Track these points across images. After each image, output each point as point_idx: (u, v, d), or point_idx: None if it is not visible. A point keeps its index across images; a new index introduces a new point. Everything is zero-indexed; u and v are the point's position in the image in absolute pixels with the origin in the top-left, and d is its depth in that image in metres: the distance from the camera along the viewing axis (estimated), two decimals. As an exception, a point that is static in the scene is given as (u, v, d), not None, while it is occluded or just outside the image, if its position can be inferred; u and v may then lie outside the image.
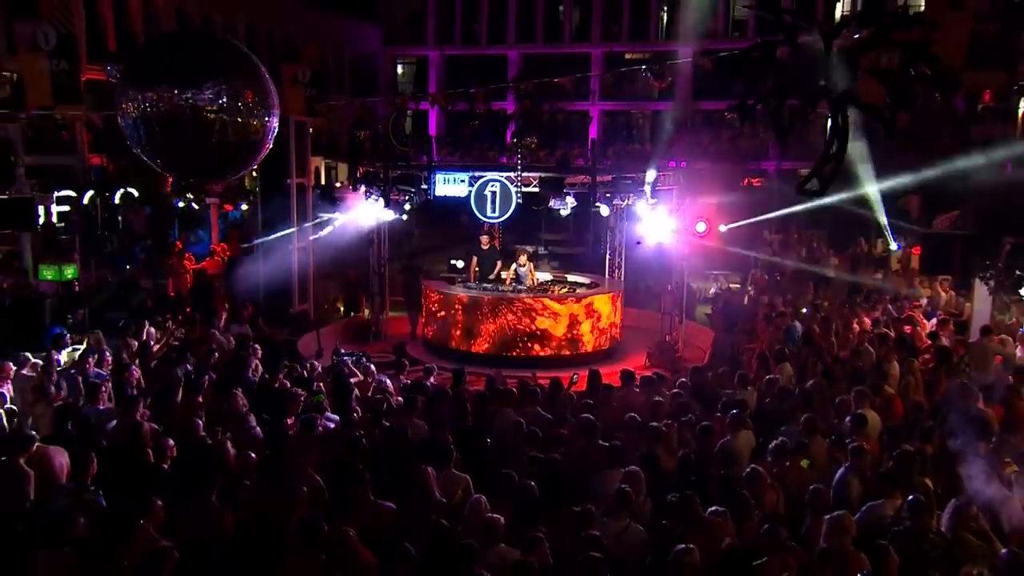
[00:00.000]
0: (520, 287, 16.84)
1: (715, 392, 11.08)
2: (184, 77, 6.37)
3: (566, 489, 7.86)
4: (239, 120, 6.62)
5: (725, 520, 7.00)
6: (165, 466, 8.14)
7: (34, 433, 8.66)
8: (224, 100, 6.41)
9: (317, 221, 18.09)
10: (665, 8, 43.21)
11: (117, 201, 23.52)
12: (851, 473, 8.19)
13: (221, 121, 6.51)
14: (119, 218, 23.37)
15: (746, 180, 35.25)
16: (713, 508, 7.12)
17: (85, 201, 22.50)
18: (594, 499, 7.54)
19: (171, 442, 8.32)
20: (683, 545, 6.24)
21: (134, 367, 11.63)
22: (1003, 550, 6.52)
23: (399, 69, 47.97)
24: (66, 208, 22.57)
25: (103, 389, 10.22)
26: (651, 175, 15.43)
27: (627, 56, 44.04)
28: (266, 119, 7.10)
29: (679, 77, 42.98)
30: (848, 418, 9.57)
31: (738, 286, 22.20)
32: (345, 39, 43.84)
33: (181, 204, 24.12)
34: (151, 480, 7.94)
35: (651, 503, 7.61)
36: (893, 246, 19.95)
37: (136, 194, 23.81)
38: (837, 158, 7.88)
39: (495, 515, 6.69)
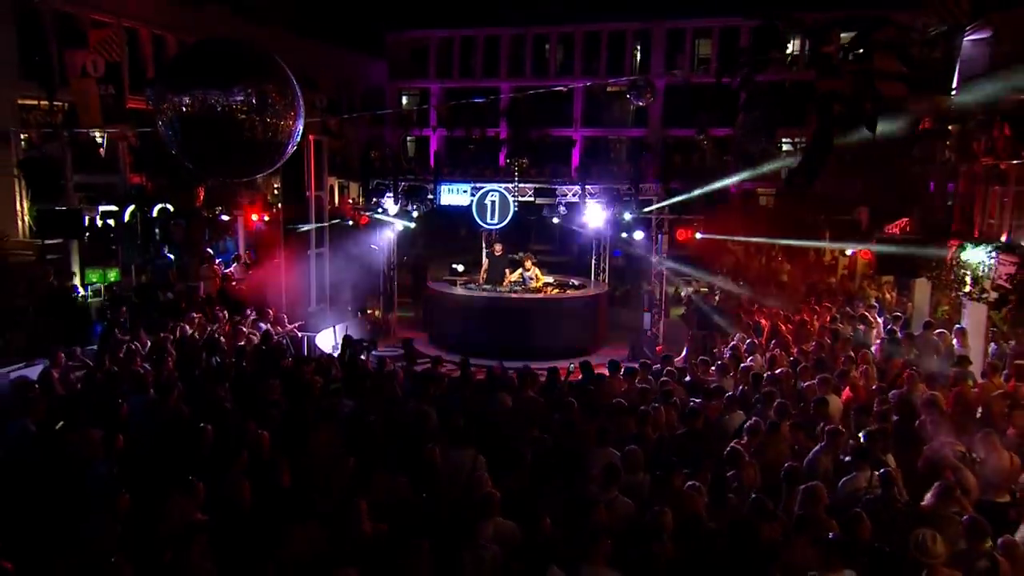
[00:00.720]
0: (517, 288, 16.58)
1: (695, 379, 10.90)
2: (216, 80, 6.15)
3: (564, 465, 7.65)
4: (268, 120, 6.34)
5: (700, 494, 6.84)
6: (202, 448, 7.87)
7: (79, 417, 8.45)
8: (254, 101, 6.15)
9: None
10: (639, 46, 43.31)
11: (155, 214, 23.53)
12: (824, 452, 8.02)
13: (251, 121, 6.28)
14: (156, 229, 23.22)
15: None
16: (690, 483, 6.96)
17: (127, 215, 22.36)
18: (588, 473, 7.37)
19: (209, 427, 8.05)
20: (657, 507, 6.21)
21: (170, 358, 11.38)
22: (965, 516, 6.38)
23: (404, 100, 47.87)
24: (111, 221, 22.44)
25: (149, 380, 9.95)
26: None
27: (608, 89, 44.28)
28: (292, 121, 6.82)
29: (651, 107, 43.34)
30: (812, 401, 9.48)
31: (706, 290, 22.03)
32: (356, 73, 43.79)
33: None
34: (187, 460, 7.69)
35: (649, 479, 7.39)
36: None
37: (172, 209, 23.77)
38: (823, 152, 7.72)
39: (492, 491, 6.46)
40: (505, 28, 44.04)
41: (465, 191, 15.84)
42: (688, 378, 11.00)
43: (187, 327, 13.55)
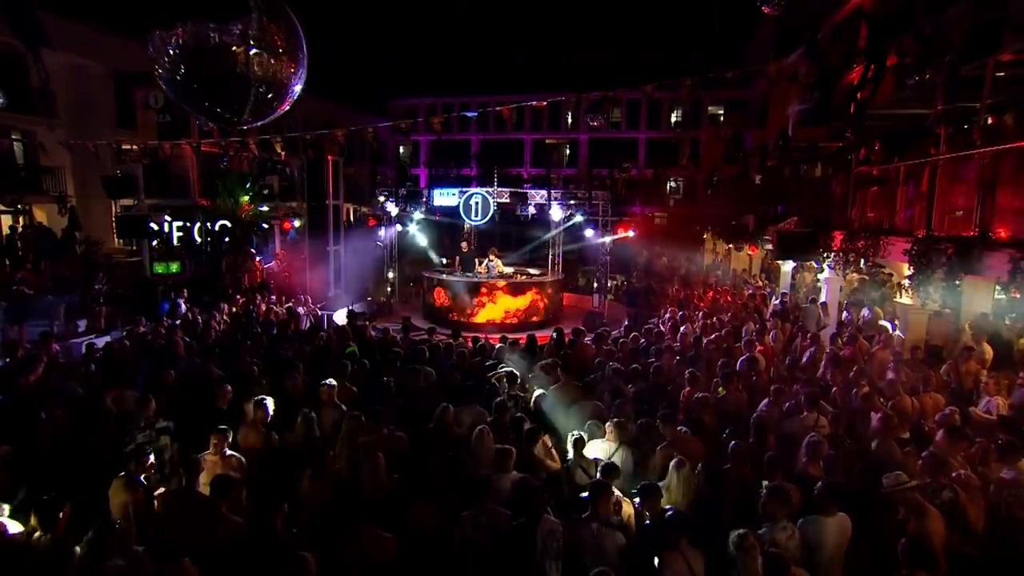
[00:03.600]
0: (492, 275, 14.76)
1: (649, 342, 9.27)
2: (212, 13, 3.96)
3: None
4: (266, 58, 4.30)
5: (689, 436, 5.41)
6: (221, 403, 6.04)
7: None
8: (252, 34, 4.15)
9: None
10: (570, 111, 42.14)
11: (216, 228, 21.79)
12: (772, 404, 6.52)
13: (246, 56, 4.16)
14: (214, 237, 21.48)
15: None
16: (680, 428, 5.47)
17: (195, 228, 21.11)
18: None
19: (227, 386, 6.21)
20: (677, 458, 4.63)
21: (212, 330, 9.45)
22: (924, 452, 4.92)
23: (400, 149, 46.13)
24: (181, 232, 20.93)
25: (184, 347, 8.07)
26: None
27: (547, 141, 43.32)
28: (292, 68, 4.66)
29: (579, 152, 42.19)
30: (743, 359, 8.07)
31: (626, 282, 20.65)
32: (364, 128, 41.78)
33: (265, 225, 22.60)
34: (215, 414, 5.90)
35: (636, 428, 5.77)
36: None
37: (229, 224, 21.99)
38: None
39: (508, 446, 4.73)
40: (474, 96, 43.00)
41: (453, 194, 14.05)
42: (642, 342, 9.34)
43: (227, 305, 11.57)
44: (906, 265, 9.56)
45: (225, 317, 10.75)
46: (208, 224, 22.70)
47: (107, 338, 10.71)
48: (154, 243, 20.39)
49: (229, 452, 4.94)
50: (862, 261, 8.93)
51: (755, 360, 8.00)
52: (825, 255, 10.29)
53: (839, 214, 10.59)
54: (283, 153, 10.18)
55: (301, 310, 11.97)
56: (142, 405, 5.81)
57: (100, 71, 21.22)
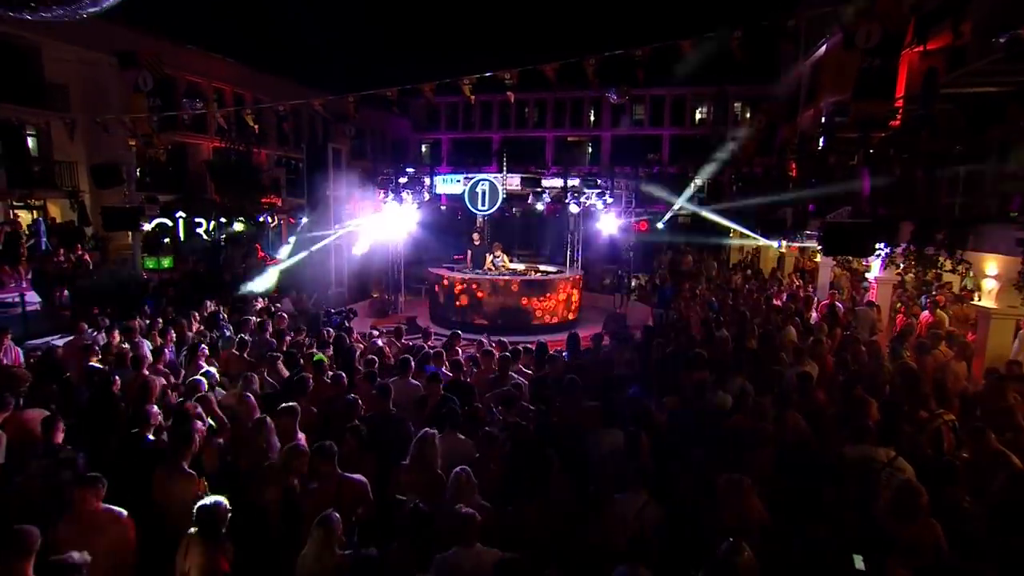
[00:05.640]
0: (504, 272, 13.11)
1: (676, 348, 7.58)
2: None
3: (561, 447, 4.36)
4: None
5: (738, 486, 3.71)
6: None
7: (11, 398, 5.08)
8: None
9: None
10: (592, 109, 40.53)
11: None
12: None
13: None
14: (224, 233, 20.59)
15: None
16: (727, 476, 3.77)
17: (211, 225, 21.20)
18: (589, 458, 4.17)
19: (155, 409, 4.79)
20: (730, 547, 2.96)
21: (171, 333, 8.05)
22: None
23: (423, 148, 44.77)
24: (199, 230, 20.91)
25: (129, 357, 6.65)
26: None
27: (569, 139, 41.64)
28: None
29: (602, 150, 40.58)
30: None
31: (649, 281, 18.91)
32: (386, 127, 40.75)
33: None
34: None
35: (652, 464, 4.14)
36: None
37: (243, 220, 21.16)
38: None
39: (471, 511, 3.18)
40: (495, 95, 41.37)
41: (458, 181, 12.44)
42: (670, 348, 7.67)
43: (209, 303, 10.21)
44: (992, 261, 7.84)
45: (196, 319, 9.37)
46: (221, 220, 21.86)
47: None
48: (166, 240, 19.49)
49: (104, 506, 3.48)
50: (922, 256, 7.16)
51: (809, 376, 6.31)
52: (886, 250, 8.51)
53: (908, 201, 8.80)
54: (255, 127, 8.86)
55: (286, 309, 10.55)
56: (47, 429, 4.41)
57: (110, 61, 20.41)
